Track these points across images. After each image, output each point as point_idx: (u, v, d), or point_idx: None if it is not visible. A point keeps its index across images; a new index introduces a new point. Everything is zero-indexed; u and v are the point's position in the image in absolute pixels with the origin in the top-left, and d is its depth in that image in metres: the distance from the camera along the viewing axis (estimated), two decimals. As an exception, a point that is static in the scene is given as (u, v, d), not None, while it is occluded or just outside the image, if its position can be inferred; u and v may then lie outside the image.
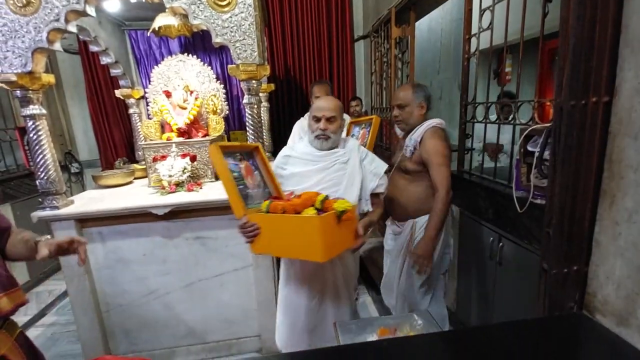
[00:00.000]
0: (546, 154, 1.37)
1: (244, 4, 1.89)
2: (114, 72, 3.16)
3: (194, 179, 2.39)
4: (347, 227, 1.40)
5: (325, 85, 2.69)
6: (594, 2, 0.94)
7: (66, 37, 2.13)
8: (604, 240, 1.02)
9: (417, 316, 1.40)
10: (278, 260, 2.12)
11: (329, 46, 4.06)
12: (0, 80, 1.81)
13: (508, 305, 1.87)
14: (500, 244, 1.84)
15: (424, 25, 4.06)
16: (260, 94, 2.84)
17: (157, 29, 3.02)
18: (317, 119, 1.58)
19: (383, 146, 3.65)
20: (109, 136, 4.03)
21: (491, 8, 1.87)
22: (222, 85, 2.91)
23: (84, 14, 1.85)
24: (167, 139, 2.53)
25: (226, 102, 2.94)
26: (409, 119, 1.87)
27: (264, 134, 3.34)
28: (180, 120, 2.60)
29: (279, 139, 3.89)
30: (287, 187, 1.60)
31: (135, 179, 2.79)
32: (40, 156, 1.93)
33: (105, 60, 3.04)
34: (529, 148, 1.53)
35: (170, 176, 2.23)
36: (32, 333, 2.65)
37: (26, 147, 3.54)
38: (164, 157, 2.38)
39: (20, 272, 3.24)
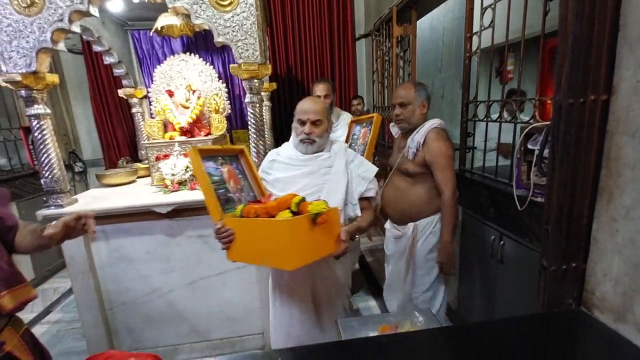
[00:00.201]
0: (546, 152, 1.36)
1: (246, 3, 1.90)
2: (117, 71, 3.18)
3: (197, 178, 2.40)
4: (325, 231, 1.27)
5: (327, 83, 2.69)
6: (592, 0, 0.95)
7: (70, 37, 2.15)
8: (601, 237, 1.02)
9: (418, 314, 1.40)
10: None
11: (330, 45, 4.07)
12: (5, 80, 1.83)
13: (509, 304, 1.87)
14: (502, 242, 1.84)
15: (425, 23, 4.05)
16: (262, 93, 2.86)
17: (159, 28, 3.04)
18: (302, 122, 1.51)
19: (385, 145, 3.66)
20: (112, 135, 4.06)
21: (492, 6, 1.87)
22: (224, 85, 2.93)
23: (87, 14, 1.86)
24: (170, 138, 2.55)
25: (228, 101, 2.95)
26: (411, 117, 1.84)
27: (266, 132, 3.35)
28: (183, 119, 2.62)
29: (281, 137, 3.91)
30: (272, 193, 1.55)
31: (138, 177, 2.82)
32: (45, 155, 1.96)
33: (108, 60, 3.06)
34: (530, 146, 1.53)
35: (173, 175, 2.25)
36: (37, 330, 2.68)
37: (31, 147, 3.58)
38: (166, 156, 2.40)
39: (25, 269, 3.27)
